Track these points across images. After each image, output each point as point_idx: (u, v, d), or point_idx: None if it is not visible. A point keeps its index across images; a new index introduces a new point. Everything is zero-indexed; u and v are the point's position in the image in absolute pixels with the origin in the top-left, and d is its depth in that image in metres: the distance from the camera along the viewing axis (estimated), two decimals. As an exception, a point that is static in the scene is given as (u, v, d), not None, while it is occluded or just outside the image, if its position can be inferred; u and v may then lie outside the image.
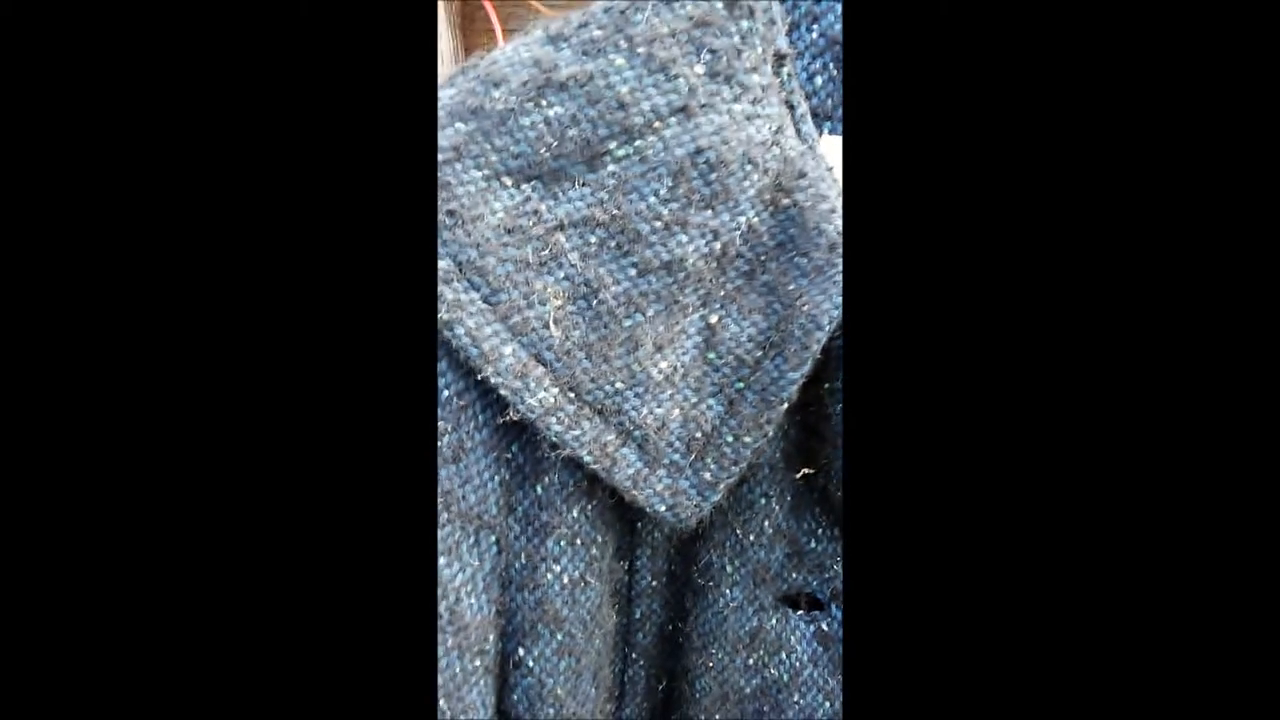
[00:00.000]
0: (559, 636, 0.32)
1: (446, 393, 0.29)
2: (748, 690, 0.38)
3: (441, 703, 0.29)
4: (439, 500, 0.29)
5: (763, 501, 0.34)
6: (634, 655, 0.38)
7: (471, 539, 0.30)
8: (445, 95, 0.29)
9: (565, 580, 0.32)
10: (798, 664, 0.37)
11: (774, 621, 0.36)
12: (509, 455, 0.31)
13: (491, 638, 0.31)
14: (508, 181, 0.28)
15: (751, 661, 0.38)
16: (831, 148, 0.31)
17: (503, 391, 0.28)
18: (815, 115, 0.31)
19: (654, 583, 0.37)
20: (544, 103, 0.28)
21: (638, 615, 0.38)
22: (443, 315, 0.28)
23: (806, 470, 0.33)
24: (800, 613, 0.35)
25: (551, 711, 0.33)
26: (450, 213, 0.28)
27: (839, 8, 0.31)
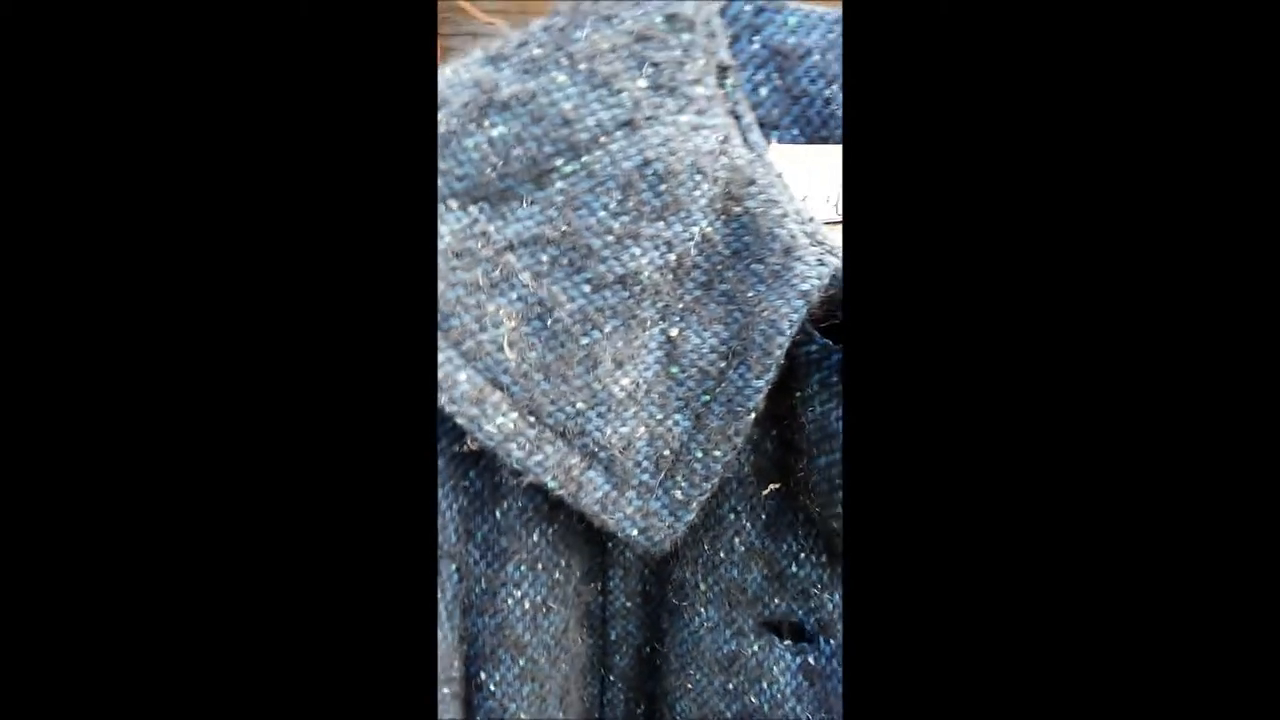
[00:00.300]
0: (521, 662, 0.31)
1: None
2: (728, 715, 0.37)
3: None
4: None
5: (731, 517, 0.34)
6: (612, 678, 0.37)
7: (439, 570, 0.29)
8: None
9: (526, 605, 0.31)
10: (779, 695, 0.36)
11: (755, 648, 0.35)
12: (466, 483, 0.30)
13: (457, 663, 0.30)
14: (454, 204, 0.28)
15: (731, 686, 0.37)
16: (780, 155, 0.31)
17: (459, 420, 0.27)
18: (762, 124, 0.31)
19: (628, 604, 0.36)
20: (486, 123, 0.28)
21: (613, 637, 0.37)
22: None
23: (774, 485, 0.33)
24: (786, 642, 0.35)
25: None
26: None
27: (779, 19, 0.32)
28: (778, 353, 0.28)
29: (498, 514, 0.30)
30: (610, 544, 0.34)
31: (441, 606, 0.29)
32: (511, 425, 0.28)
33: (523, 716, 0.31)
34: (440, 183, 0.28)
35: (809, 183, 0.32)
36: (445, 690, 0.29)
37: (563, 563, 0.31)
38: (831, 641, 0.35)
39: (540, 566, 0.31)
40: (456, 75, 0.28)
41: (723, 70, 0.30)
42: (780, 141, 0.32)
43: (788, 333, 0.28)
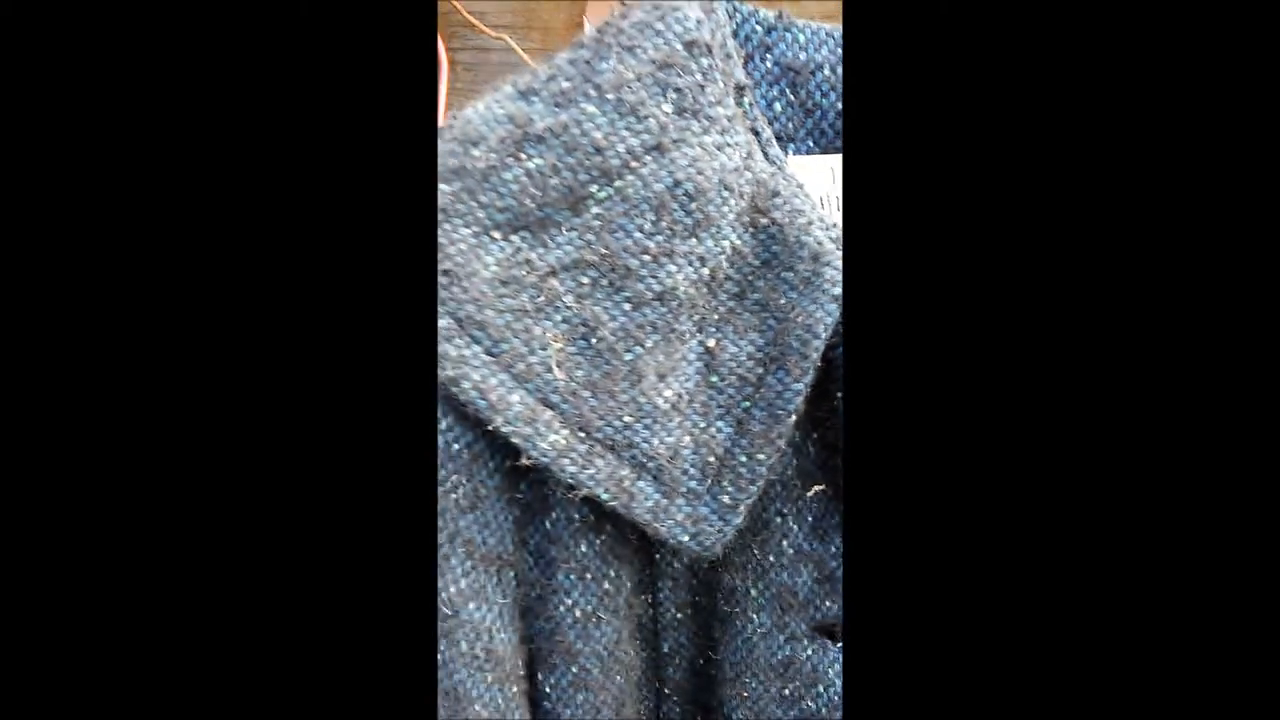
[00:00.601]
0: (573, 669, 0.32)
1: (457, 445, 0.30)
2: None
3: None
4: (461, 548, 0.30)
5: (778, 520, 0.35)
6: (667, 690, 0.38)
7: (495, 579, 0.30)
8: None
9: (577, 614, 0.32)
10: (835, 698, 0.36)
11: (809, 652, 0.36)
12: (518, 494, 0.31)
13: (522, 663, 0.31)
14: (497, 235, 0.29)
15: (787, 692, 0.37)
16: (799, 167, 0.32)
17: (514, 440, 0.28)
18: (779, 138, 0.33)
19: (679, 615, 0.37)
20: (523, 156, 0.29)
21: (666, 649, 0.37)
22: (448, 372, 0.28)
23: (819, 487, 0.34)
24: (840, 645, 0.35)
25: None
26: (445, 271, 0.28)
27: (789, 37, 0.33)
28: (814, 356, 0.29)
29: (547, 524, 0.31)
30: (658, 556, 0.35)
31: (505, 613, 0.30)
32: (563, 442, 0.29)
33: None
34: (482, 214, 0.29)
35: (827, 190, 0.33)
36: (515, 689, 0.30)
37: (612, 573, 0.32)
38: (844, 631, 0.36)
39: (589, 576, 0.31)
40: (490, 111, 0.30)
41: (740, 90, 0.32)
42: (796, 153, 0.33)
43: (823, 336, 0.29)
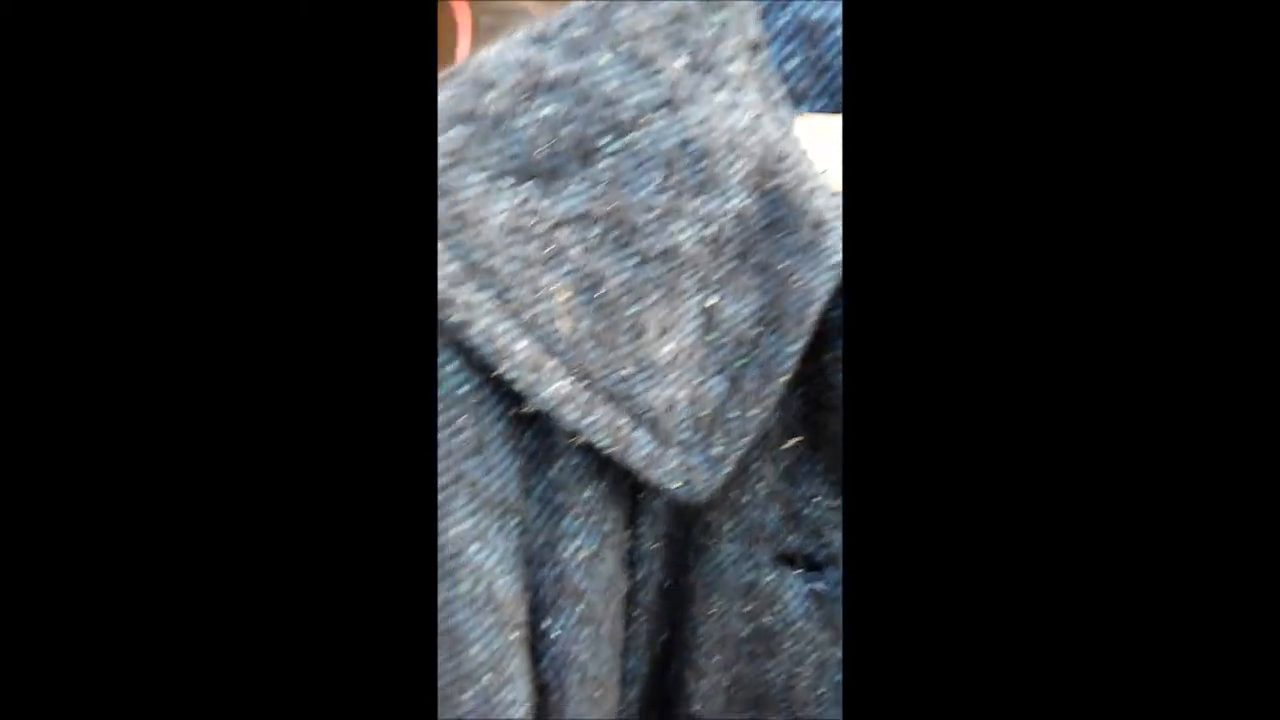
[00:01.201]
0: (580, 607, 0.34)
1: (464, 389, 0.30)
2: (743, 634, 0.40)
3: (487, 676, 0.31)
4: (465, 491, 0.31)
5: (755, 465, 0.36)
6: (636, 612, 0.41)
7: (498, 523, 0.32)
8: (439, 99, 0.29)
9: (582, 556, 0.33)
10: (790, 616, 0.40)
11: (771, 577, 0.38)
12: (523, 444, 0.32)
13: (522, 611, 0.33)
14: (508, 182, 0.29)
15: (747, 610, 0.40)
16: (809, 127, 0.32)
17: (518, 386, 0.29)
18: (792, 96, 0.33)
19: (655, 545, 0.39)
20: (535, 103, 0.29)
21: (639, 576, 0.40)
22: (456, 318, 0.29)
23: (797, 439, 0.36)
24: (797, 572, 0.38)
25: (577, 676, 0.35)
26: (456, 216, 0.28)
27: (807, -10, 0.33)
28: (810, 321, 0.30)
29: (552, 473, 0.32)
30: (639, 495, 0.37)
31: (508, 559, 0.32)
32: (565, 390, 0.30)
33: (583, 657, 0.34)
34: (494, 161, 0.29)
35: (835, 151, 0.33)
36: (514, 635, 0.32)
37: (611, 515, 0.34)
38: (838, 571, 0.39)
39: (593, 519, 0.33)
40: (503, 56, 0.29)
41: (754, 46, 0.31)
42: (810, 112, 0.33)
43: (820, 302, 0.30)
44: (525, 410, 0.30)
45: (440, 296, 0.29)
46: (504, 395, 0.31)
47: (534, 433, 0.32)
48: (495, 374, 0.29)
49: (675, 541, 0.40)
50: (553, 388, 0.30)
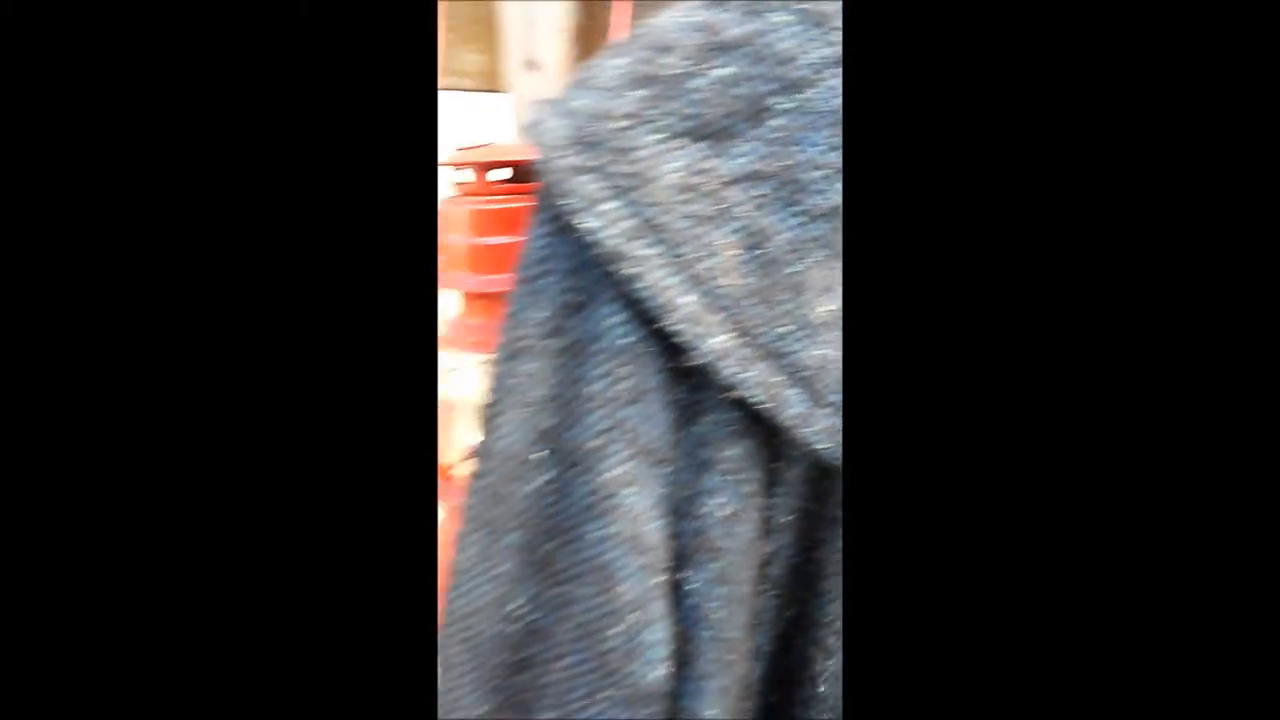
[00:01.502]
0: (716, 564, 0.34)
1: (626, 340, 0.31)
2: None
3: (633, 615, 0.32)
4: (621, 438, 0.32)
5: None
6: (765, 587, 0.41)
7: (650, 471, 0.32)
8: (619, 63, 0.30)
9: (721, 514, 0.34)
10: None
11: None
12: (674, 397, 0.33)
13: (667, 559, 0.33)
14: (681, 142, 0.30)
15: None
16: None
17: (681, 339, 0.30)
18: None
19: (788, 518, 0.39)
20: (712, 65, 0.30)
21: (771, 549, 0.40)
22: (629, 270, 0.30)
23: None
24: None
25: (709, 634, 0.36)
26: (633, 175, 0.30)
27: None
28: None
29: (701, 428, 0.33)
30: (775, 464, 0.37)
31: (658, 507, 0.33)
32: (727, 345, 0.30)
33: (715, 616, 0.34)
34: (669, 121, 0.30)
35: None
36: (656, 580, 0.33)
37: (753, 477, 0.34)
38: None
39: (736, 478, 0.33)
40: (683, 19, 0.30)
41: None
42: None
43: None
44: (684, 364, 0.31)
45: (614, 250, 0.30)
46: (663, 351, 0.32)
47: (688, 387, 0.33)
48: (660, 326, 0.30)
49: (809, 515, 0.40)
50: (714, 341, 0.30)
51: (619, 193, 0.30)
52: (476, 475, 0.36)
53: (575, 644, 0.33)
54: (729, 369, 0.30)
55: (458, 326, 0.44)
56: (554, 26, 0.60)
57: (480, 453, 0.36)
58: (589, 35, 0.66)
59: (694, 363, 0.31)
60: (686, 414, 0.33)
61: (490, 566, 0.35)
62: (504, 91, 0.64)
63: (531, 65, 0.62)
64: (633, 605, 0.32)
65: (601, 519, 0.32)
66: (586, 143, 0.31)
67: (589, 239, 0.30)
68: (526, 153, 0.43)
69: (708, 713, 0.34)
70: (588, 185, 0.30)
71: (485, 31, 0.64)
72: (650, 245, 0.30)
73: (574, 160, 0.31)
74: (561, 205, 0.31)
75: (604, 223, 0.30)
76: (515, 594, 0.34)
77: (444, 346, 0.46)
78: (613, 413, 0.32)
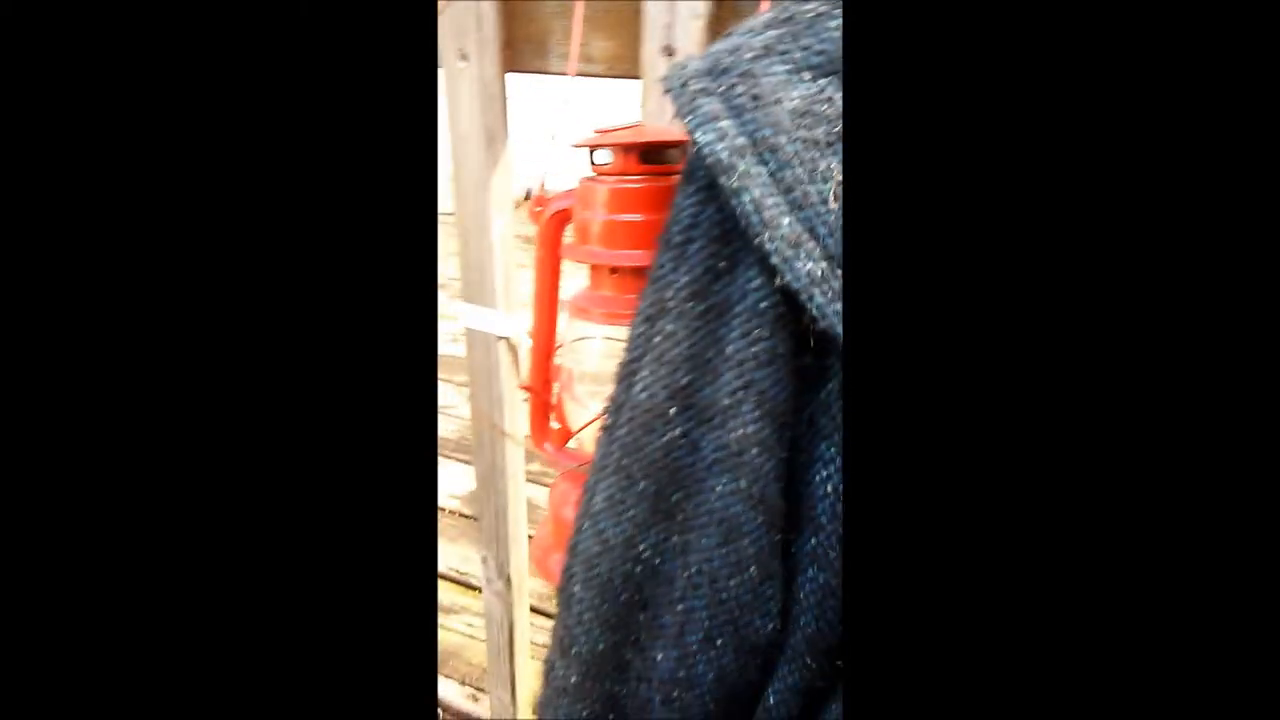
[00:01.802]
0: (813, 541, 0.34)
1: (763, 304, 0.31)
2: None
3: (753, 568, 0.32)
4: (754, 398, 0.32)
5: None
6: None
7: (777, 434, 0.32)
8: (762, 16, 0.32)
9: (827, 489, 0.33)
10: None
11: None
12: (799, 362, 0.33)
13: (783, 520, 0.34)
14: (808, 75, 0.30)
15: None
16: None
17: (774, 259, 0.30)
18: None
19: None
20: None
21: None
22: (733, 183, 0.30)
23: None
24: None
25: (799, 608, 0.35)
26: (754, 96, 0.30)
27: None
28: None
29: (821, 394, 0.32)
30: None
31: (781, 469, 0.33)
32: (819, 272, 0.30)
33: (811, 585, 0.34)
34: (799, 55, 0.31)
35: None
36: (777, 537, 0.33)
37: None
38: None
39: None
40: None
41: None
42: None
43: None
44: (805, 322, 0.30)
45: (722, 163, 0.30)
46: (794, 313, 0.32)
47: (811, 353, 0.32)
48: (757, 242, 0.30)
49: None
50: (807, 267, 0.30)
51: (736, 111, 0.30)
52: (611, 427, 0.37)
53: (695, 590, 0.33)
54: (819, 297, 0.30)
55: (590, 298, 0.45)
56: (691, 13, 0.61)
57: (615, 406, 0.37)
58: (725, 23, 0.67)
59: (783, 284, 0.30)
60: (808, 379, 0.33)
61: (621, 511, 0.35)
62: (639, 78, 0.66)
63: (669, 51, 0.63)
64: (753, 559, 0.32)
65: (729, 474, 0.32)
66: (716, 70, 0.32)
67: (703, 151, 0.30)
68: (661, 135, 0.44)
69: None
70: (708, 104, 0.31)
71: (617, 20, 0.66)
72: (758, 163, 0.30)
73: (701, 84, 0.31)
74: (684, 123, 0.31)
75: (715, 136, 0.30)
76: (642, 538, 0.35)
77: (574, 317, 0.47)
78: (747, 373, 0.32)
